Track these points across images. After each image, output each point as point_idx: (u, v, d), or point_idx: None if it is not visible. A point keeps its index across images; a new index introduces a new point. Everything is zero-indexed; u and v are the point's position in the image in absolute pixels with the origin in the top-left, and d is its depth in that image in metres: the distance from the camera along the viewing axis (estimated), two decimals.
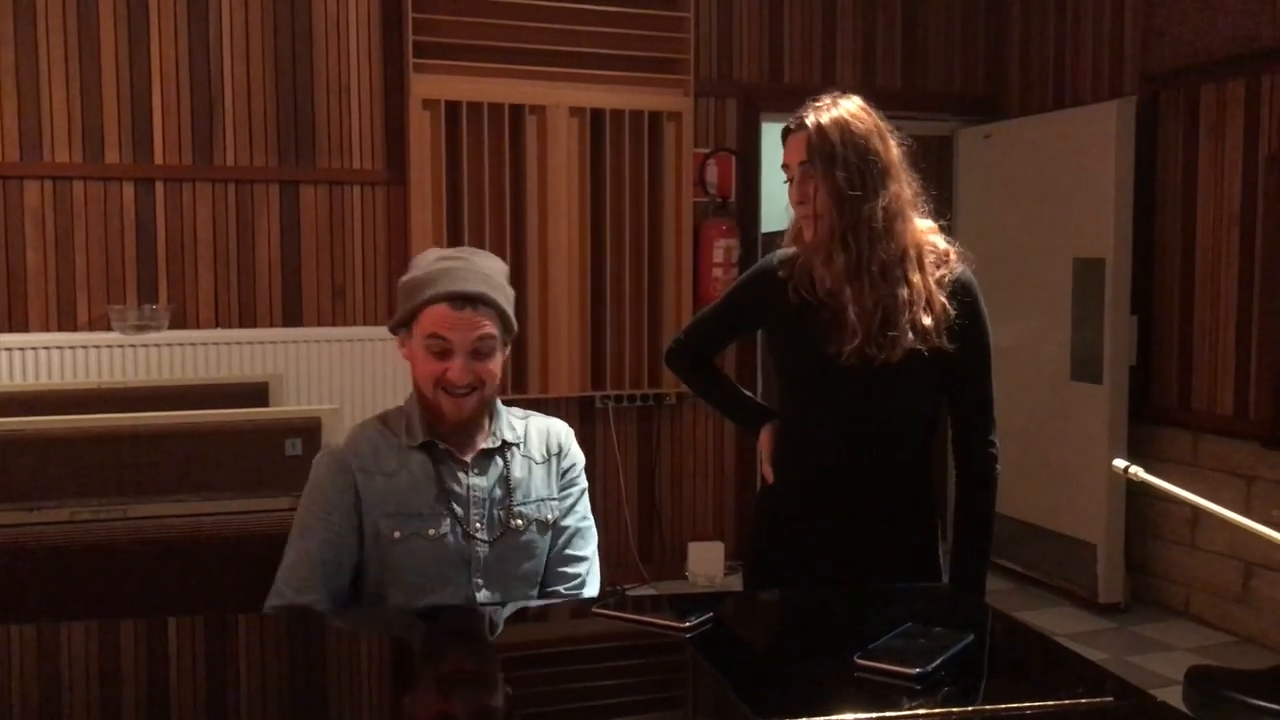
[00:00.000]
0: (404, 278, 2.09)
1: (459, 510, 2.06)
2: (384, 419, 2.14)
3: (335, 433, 3.37)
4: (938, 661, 1.54)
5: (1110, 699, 1.55)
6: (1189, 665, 2.97)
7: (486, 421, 2.14)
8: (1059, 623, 4.79)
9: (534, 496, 2.13)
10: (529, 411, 2.26)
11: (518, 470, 2.13)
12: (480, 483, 2.09)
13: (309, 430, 3.34)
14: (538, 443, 2.19)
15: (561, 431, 2.24)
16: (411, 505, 2.04)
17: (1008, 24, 5.73)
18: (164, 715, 1.55)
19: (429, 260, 2.09)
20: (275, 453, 3.29)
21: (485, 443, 2.12)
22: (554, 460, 2.19)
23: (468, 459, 2.10)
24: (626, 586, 5.12)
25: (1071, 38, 5.35)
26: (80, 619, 1.91)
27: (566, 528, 2.17)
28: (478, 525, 2.07)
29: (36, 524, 2.16)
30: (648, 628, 1.77)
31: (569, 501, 2.19)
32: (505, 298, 2.09)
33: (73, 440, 3.16)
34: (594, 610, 1.85)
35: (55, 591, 2.11)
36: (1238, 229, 4.58)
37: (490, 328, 2.04)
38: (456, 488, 2.07)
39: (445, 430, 2.10)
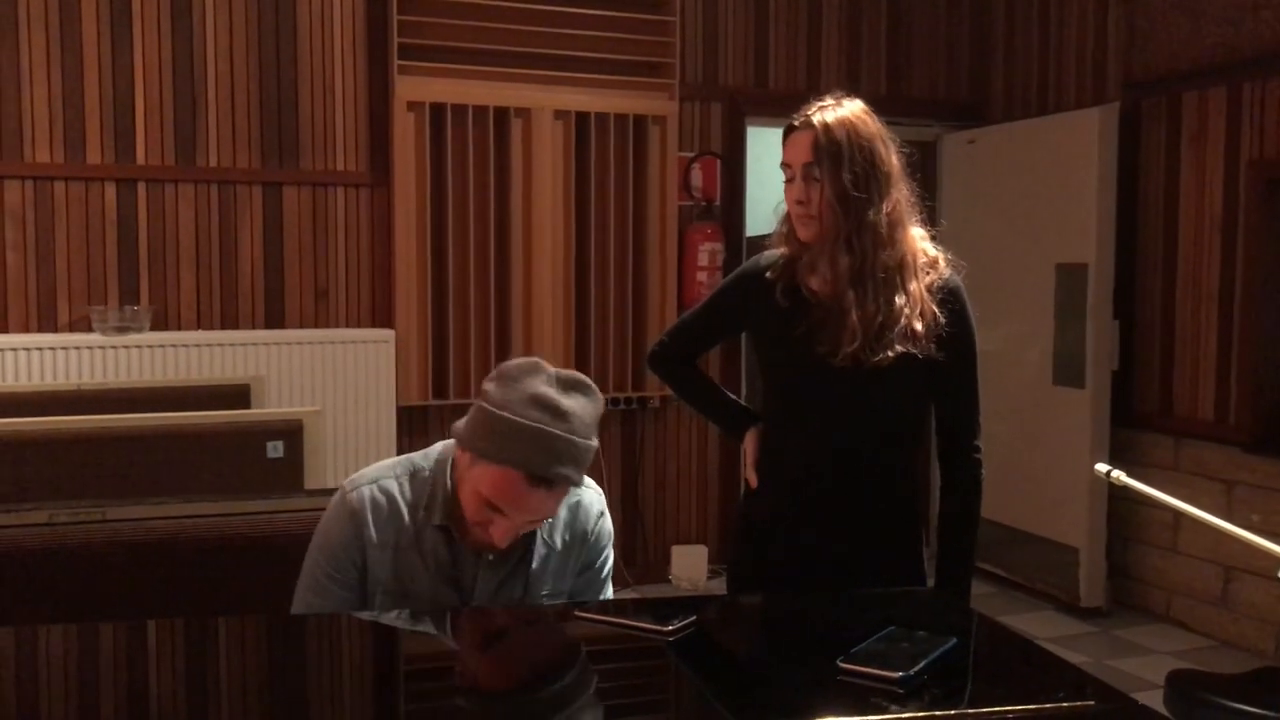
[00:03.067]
0: (495, 402, 1.79)
1: (462, 597, 1.93)
2: (412, 476, 1.95)
3: (316, 435, 3.36)
4: (920, 665, 1.54)
5: (1091, 703, 1.56)
6: (1170, 669, 2.98)
7: None
8: (1041, 626, 4.80)
9: (547, 590, 1.98)
10: None
11: (536, 561, 1.96)
12: (492, 574, 1.95)
13: (290, 433, 3.32)
14: (564, 524, 1.99)
15: (593, 510, 2.03)
16: (412, 587, 1.92)
17: (992, 30, 5.75)
18: None
19: (527, 396, 1.79)
20: (257, 455, 3.28)
21: None
22: (578, 547, 2.01)
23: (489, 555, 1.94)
24: None
25: (1055, 44, 5.37)
26: (58, 623, 1.89)
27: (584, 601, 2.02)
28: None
29: (14, 526, 2.14)
30: (630, 631, 1.76)
31: (590, 590, 2.04)
32: (589, 462, 1.84)
33: (52, 442, 3.14)
34: (577, 613, 1.85)
35: (33, 595, 2.09)
36: (1219, 235, 4.60)
37: (557, 506, 1.87)
38: (464, 577, 1.93)
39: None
